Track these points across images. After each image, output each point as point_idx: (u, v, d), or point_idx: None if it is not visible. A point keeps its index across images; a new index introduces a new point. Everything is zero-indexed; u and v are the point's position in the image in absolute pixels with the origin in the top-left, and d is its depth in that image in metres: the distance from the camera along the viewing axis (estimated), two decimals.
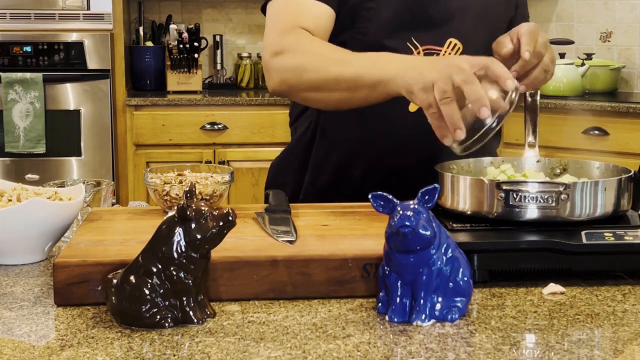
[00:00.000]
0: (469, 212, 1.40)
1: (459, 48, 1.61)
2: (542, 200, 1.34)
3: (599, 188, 1.36)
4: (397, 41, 1.66)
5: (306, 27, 1.64)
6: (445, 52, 1.59)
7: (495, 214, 1.36)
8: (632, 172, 1.43)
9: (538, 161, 1.58)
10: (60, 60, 4.27)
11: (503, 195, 1.35)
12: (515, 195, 1.34)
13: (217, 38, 4.84)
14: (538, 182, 1.36)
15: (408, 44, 1.66)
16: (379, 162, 1.75)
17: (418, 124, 1.53)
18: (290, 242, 1.32)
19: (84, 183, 1.58)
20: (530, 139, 1.58)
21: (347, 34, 1.69)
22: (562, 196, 1.34)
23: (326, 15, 1.66)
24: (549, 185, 1.35)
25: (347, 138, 1.76)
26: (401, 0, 1.67)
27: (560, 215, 1.35)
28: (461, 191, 1.40)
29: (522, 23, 1.54)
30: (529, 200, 1.34)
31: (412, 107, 1.51)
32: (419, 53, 1.64)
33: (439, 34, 1.64)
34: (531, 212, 1.35)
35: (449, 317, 1.15)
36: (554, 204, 1.34)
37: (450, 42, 1.60)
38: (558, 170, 1.57)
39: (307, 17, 1.65)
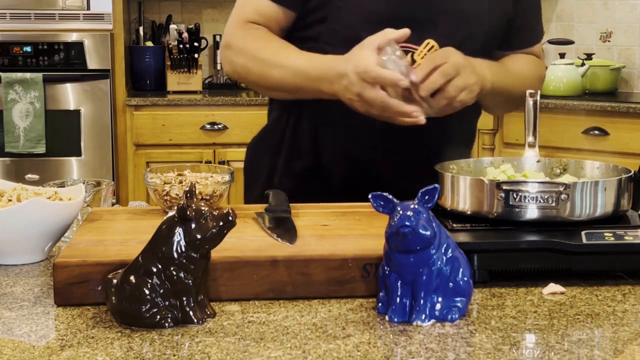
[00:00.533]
0: (469, 212, 1.40)
1: (435, 50, 1.62)
2: (542, 200, 1.34)
3: (599, 188, 1.36)
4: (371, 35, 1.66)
5: (260, 23, 1.74)
6: (422, 51, 1.60)
7: (495, 214, 1.36)
8: (632, 172, 1.43)
9: (538, 161, 1.58)
10: (60, 60, 4.27)
11: (503, 195, 1.35)
12: (515, 195, 1.34)
13: (217, 38, 4.84)
14: (538, 182, 1.36)
15: None
16: (346, 150, 1.77)
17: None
18: (290, 242, 1.32)
19: (84, 183, 1.58)
20: (530, 139, 1.58)
21: (321, 26, 1.71)
22: (562, 196, 1.34)
23: (282, 14, 1.74)
24: (549, 185, 1.35)
25: (312, 125, 1.78)
26: None
27: (560, 215, 1.35)
28: (461, 191, 1.40)
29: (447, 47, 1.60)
30: (529, 200, 1.34)
31: None
32: None
33: (418, 33, 1.64)
34: (531, 212, 1.35)
35: (449, 317, 1.15)
36: (554, 204, 1.34)
37: (428, 44, 1.61)
38: (558, 170, 1.57)
39: (261, 14, 1.74)
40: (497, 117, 4.23)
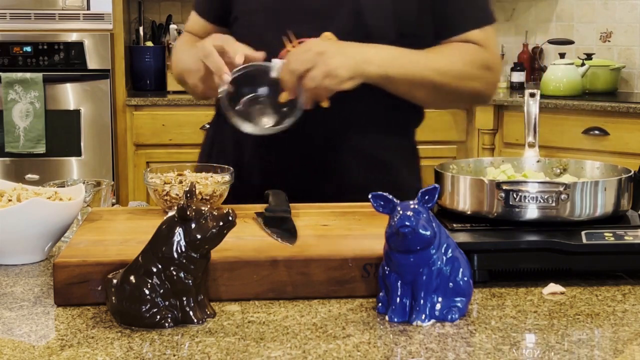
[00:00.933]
0: (469, 212, 1.40)
1: None
2: (542, 200, 1.34)
3: (599, 188, 1.36)
4: (275, 33, 1.66)
5: (193, 33, 1.93)
6: None
7: (495, 214, 1.37)
8: (632, 172, 1.43)
9: (538, 161, 1.58)
10: (60, 60, 4.27)
11: (503, 195, 1.35)
12: (515, 195, 1.35)
13: None
14: (538, 182, 1.36)
15: (283, 37, 1.65)
16: (262, 146, 1.76)
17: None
18: (290, 242, 1.32)
19: (84, 183, 1.58)
20: (530, 139, 1.58)
21: (238, 37, 1.70)
22: (562, 196, 1.34)
23: (210, 28, 1.88)
24: (549, 185, 1.35)
25: (227, 127, 1.78)
26: None
27: (560, 215, 1.35)
28: (461, 191, 1.40)
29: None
30: (529, 200, 1.34)
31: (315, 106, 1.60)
32: (293, 46, 1.63)
33: (316, 27, 1.64)
34: (531, 212, 1.35)
35: (449, 317, 1.15)
36: (554, 204, 1.34)
37: (325, 37, 1.61)
38: (558, 170, 1.57)
39: (195, 28, 1.94)
40: (497, 117, 4.23)
